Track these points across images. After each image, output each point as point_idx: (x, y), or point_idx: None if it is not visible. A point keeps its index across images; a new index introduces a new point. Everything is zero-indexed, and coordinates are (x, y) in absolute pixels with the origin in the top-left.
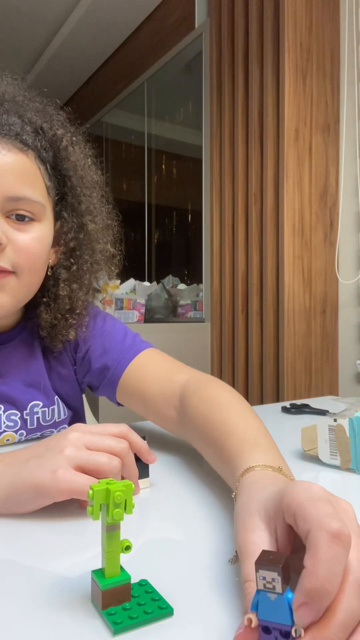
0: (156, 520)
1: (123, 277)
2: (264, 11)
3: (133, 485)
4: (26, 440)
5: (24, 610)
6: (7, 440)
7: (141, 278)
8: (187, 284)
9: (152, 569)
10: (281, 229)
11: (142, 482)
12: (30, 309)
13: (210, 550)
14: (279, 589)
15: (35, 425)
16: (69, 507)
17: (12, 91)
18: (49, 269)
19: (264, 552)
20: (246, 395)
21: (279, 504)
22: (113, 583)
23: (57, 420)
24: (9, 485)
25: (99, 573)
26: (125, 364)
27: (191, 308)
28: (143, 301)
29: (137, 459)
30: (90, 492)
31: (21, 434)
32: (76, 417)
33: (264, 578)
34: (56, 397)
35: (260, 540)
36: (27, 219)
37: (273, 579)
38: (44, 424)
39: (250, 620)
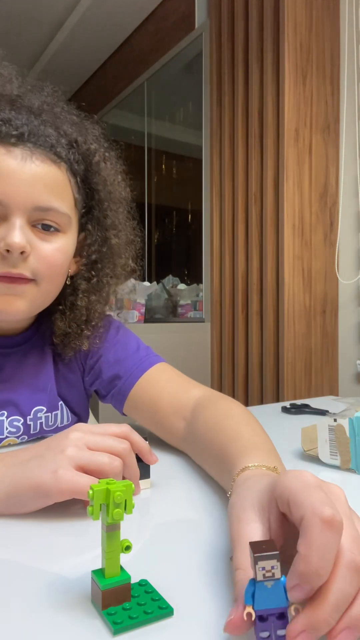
0: (156, 520)
1: None
2: (264, 11)
3: (133, 486)
4: (35, 440)
5: (24, 610)
6: (9, 444)
7: (141, 278)
8: (187, 284)
9: (152, 569)
10: (281, 229)
11: (143, 483)
12: (44, 314)
13: (211, 550)
14: (278, 574)
15: (37, 430)
16: (69, 507)
17: (51, 102)
18: (68, 279)
19: (253, 544)
20: (246, 395)
21: (272, 494)
22: (113, 583)
23: (59, 425)
24: (10, 486)
25: (99, 573)
26: (139, 374)
27: (191, 308)
28: (143, 301)
29: (139, 460)
30: (91, 492)
31: (23, 439)
32: (79, 423)
33: (264, 568)
34: (61, 402)
35: (253, 531)
36: (52, 229)
37: (272, 567)
38: (47, 429)
39: (250, 615)
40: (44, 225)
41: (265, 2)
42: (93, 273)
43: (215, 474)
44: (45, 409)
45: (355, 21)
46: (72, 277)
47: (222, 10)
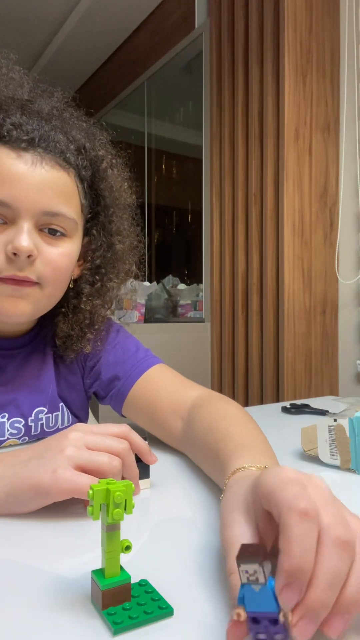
0: (156, 520)
1: None
2: (264, 11)
3: (133, 486)
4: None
5: (24, 610)
6: (10, 445)
7: (141, 278)
8: (187, 284)
9: (152, 569)
10: (281, 229)
11: (143, 483)
12: (46, 317)
13: (211, 550)
14: (261, 579)
15: (38, 432)
16: (69, 507)
17: (61, 107)
18: (71, 282)
19: (243, 547)
20: (246, 395)
21: (255, 494)
22: (113, 583)
23: (60, 427)
24: (9, 485)
25: (99, 573)
26: (138, 375)
27: (191, 308)
28: (143, 301)
29: (138, 460)
30: (90, 492)
31: (24, 440)
32: (79, 423)
33: (247, 572)
34: (61, 403)
35: (240, 533)
36: (58, 233)
37: (255, 571)
38: (47, 430)
39: (239, 615)
40: (50, 230)
41: (265, 2)
42: (97, 277)
43: (212, 475)
44: (46, 410)
45: (355, 21)
46: (75, 281)
47: (222, 10)
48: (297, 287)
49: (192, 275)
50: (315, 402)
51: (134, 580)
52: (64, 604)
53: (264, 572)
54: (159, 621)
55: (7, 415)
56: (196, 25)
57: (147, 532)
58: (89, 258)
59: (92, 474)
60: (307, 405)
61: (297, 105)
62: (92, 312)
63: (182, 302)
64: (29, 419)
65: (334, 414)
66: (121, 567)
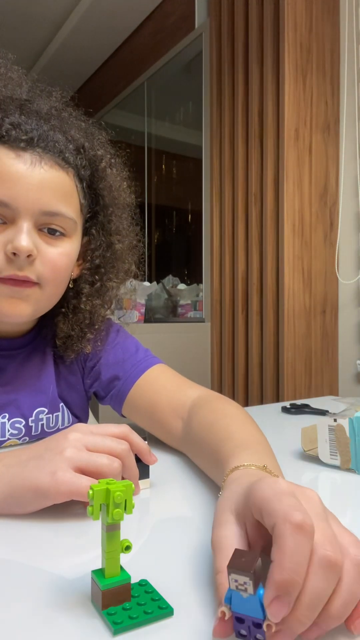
0: (156, 520)
1: None
2: (264, 11)
3: (133, 486)
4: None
5: (24, 610)
6: (10, 446)
7: (141, 278)
8: (187, 284)
9: (152, 569)
10: (281, 229)
11: (143, 483)
12: (46, 317)
13: (210, 550)
14: (250, 591)
15: (39, 432)
16: (69, 507)
17: (59, 107)
18: (71, 282)
19: (237, 552)
20: (246, 396)
21: (247, 501)
22: (113, 583)
23: (60, 427)
24: (9, 486)
25: (99, 573)
26: (137, 375)
27: (191, 308)
28: (143, 301)
29: (138, 460)
30: (90, 492)
31: (24, 440)
32: (79, 423)
33: (236, 581)
34: (62, 404)
35: (230, 533)
36: (58, 233)
37: (245, 583)
38: (48, 430)
39: (223, 613)
40: (49, 230)
41: (265, 2)
42: (97, 277)
43: (211, 474)
44: (46, 411)
45: (355, 21)
46: (74, 281)
47: (222, 10)
48: (297, 287)
49: (192, 275)
50: (315, 402)
51: (134, 580)
52: (64, 604)
53: (253, 584)
54: (159, 621)
55: (7, 415)
56: (196, 25)
57: (147, 532)
58: (89, 258)
59: (92, 475)
60: (307, 405)
61: (297, 105)
62: (92, 312)
63: (182, 302)
64: (30, 419)
65: (334, 414)
66: (121, 567)
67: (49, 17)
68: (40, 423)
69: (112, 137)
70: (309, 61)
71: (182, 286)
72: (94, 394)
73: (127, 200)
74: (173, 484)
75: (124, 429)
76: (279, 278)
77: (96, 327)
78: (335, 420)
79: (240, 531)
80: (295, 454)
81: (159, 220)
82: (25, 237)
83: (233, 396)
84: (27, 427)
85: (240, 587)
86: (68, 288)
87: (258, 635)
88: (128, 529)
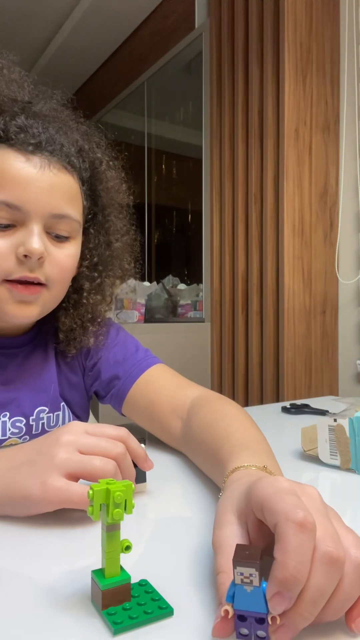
0: (156, 520)
1: None
2: (264, 11)
3: (133, 486)
4: None
5: (24, 610)
6: (11, 444)
7: (141, 278)
8: (187, 284)
9: (152, 569)
10: (281, 229)
11: (139, 487)
12: (47, 314)
13: (210, 550)
14: (256, 582)
15: (39, 431)
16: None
17: (59, 109)
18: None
19: (239, 547)
20: (246, 395)
21: (248, 500)
22: (113, 583)
23: (60, 426)
24: (2, 492)
25: (99, 573)
26: (137, 375)
27: (191, 308)
28: (143, 301)
29: (135, 465)
30: (90, 492)
31: (25, 439)
32: (75, 421)
33: (242, 574)
34: (63, 403)
35: (231, 533)
36: (63, 237)
37: (251, 574)
38: (49, 429)
39: (227, 612)
40: (55, 233)
41: (265, 2)
42: (96, 274)
43: (211, 474)
44: (47, 410)
45: (355, 21)
46: (74, 279)
47: (222, 10)
48: (297, 287)
49: (192, 275)
50: (315, 402)
51: (134, 580)
52: (64, 604)
53: (259, 575)
54: (159, 621)
55: (8, 414)
56: (196, 25)
57: (147, 532)
58: (87, 256)
59: (86, 478)
60: (307, 405)
61: (297, 105)
62: (93, 306)
63: (182, 302)
64: (30, 418)
65: (334, 414)
66: (121, 567)
67: (49, 17)
68: (41, 422)
69: (111, 138)
70: (309, 61)
71: (182, 286)
72: (95, 393)
73: (124, 200)
74: (173, 484)
75: (121, 432)
76: (279, 278)
77: (98, 320)
78: (335, 420)
79: (242, 531)
80: (295, 454)
81: (159, 220)
82: (37, 240)
83: (233, 396)
84: (28, 426)
85: (245, 579)
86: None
87: (259, 633)
88: (128, 529)
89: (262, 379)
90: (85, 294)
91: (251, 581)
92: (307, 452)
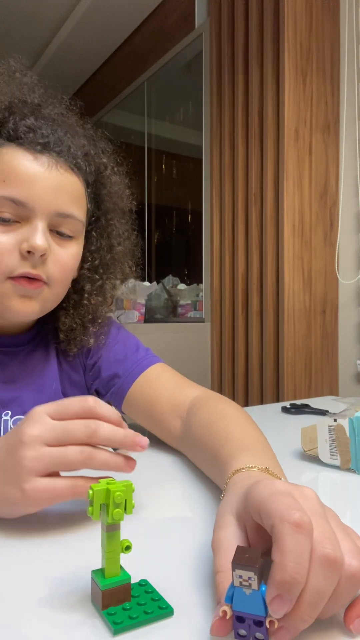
0: (156, 521)
1: None
2: (264, 11)
3: (133, 486)
4: None
5: (24, 610)
6: None
7: (141, 278)
8: (187, 284)
9: (152, 569)
10: (281, 229)
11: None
12: (48, 314)
13: (210, 550)
14: (255, 586)
15: None
16: (68, 507)
17: (67, 114)
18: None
19: (239, 549)
20: (246, 396)
21: (246, 503)
22: (113, 583)
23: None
24: None
25: (99, 573)
26: (137, 373)
27: (191, 308)
28: (143, 301)
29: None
30: (90, 492)
31: None
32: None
33: (241, 577)
34: None
35: (230, 535)
36: (66, 235)
37: (249, 578)
38: None
39: (225, 612)
40: (59, 231)
41: (265, 2)
42: (97, 277)
43: (211, 475)
44: None
45: (355, 21)
46: (74, 281)
47: (222, 10)
48: (297, 287)
49: (192, 275)
50: (315, 402)
51: (134, 580)
52: (64, 604)
53: (258, 579)
54: (159, 621)
55: (10, 412)
56: (196, 25)
57: (147, 532)
58: (89, 259)
59: (63, 470)
60: (307, 405)
61: (297, 105)
62: (94, 307)
63: (182, 302)
64: None
65: (334, 414)
66: (121, 567)
67: (49, 17)
68: None
69: (113, 138)
70: (309, 61)
71: (182, 286)
72: (96, 392)
73: (127, 206)
74: (173, 484)
75: (87, 403)
76: (279, 278)
77: (99, 321)
78: (335, 420)
79: (241, 533)
80: (295, 454)
81: (159, 221)
82: (41, 237)
83: (233, 396)
84: None
85: (244, 582)
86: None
87: (258, 635)
88: (128, 529)
89: (262, 379)
90: (86, 295)
91: (250, 584)
92: (307, 452)
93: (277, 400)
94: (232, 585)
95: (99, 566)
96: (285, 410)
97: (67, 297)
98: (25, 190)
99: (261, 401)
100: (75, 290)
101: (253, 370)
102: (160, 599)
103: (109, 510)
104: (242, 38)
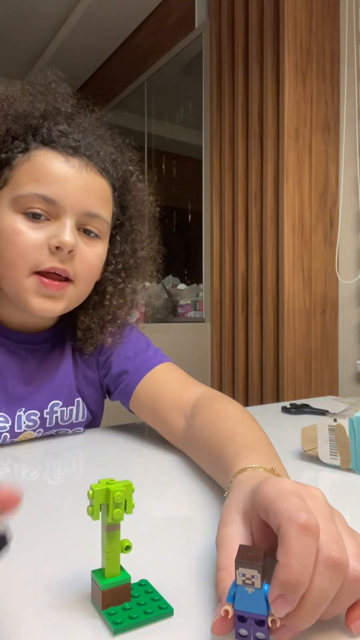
0: (156, 520)
1: None
2: (264, 11)
3: (133, 486)
4: (42, 437)
5: (24, 610)
6: (26, 437)
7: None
8: (187, 284)
9: (152, 569)
10: (281, 229)
11: None
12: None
13: (211, 550)
14: (258, 584)
15: (53, 424)
16: (68, 506)
17: (96, 124)
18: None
19: (242, 548)
20: (246, 395)
21: (253, 501)
22: (113, 583)
23: (74, 421)
24: None
25: (99, 573)
26: (146, 371)
27: (191, 308)
28: (143, 301)
29: None
30: (90, 492)
31: (39, 432)
32: (93, 421)
33: (244, 575)
34: (78, 399)
35: (235, 532)
36: (93, 234)
37: (253, 576)
38: (62, 423)
39: (227, 612)
40: (85, 230)
41: (265, 2)
42: (119, 280)
43: (213, 474)
44: (61, 404)
45: (355, 21)
46: (97, 282)
47: (222, 10)
48: (297, 287)
49: (192, 275)
50: (315, 402)
51: (134, 580)
52: (64, 604)
53: (261, 578)
54: (159, 621)
55: (24, 408)
56: (196, 25)
57: (147, 532)
58: (112, 262)
59: None
60: (307, 405)
61: (297, 105)
62: (115, 309)
63: (182, 302)
64: (45, 411)
65: (334, 414)
66: (121, 567)
67: (48, 17)
68: (54, 415)
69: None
70: (309, 61)
71: (182, 286)
72: (106, 388)
73: (151, 212)
74: (173, 484)
75: None
76: (279, 278)
77: (118, 322)
78: (335, 420)
79: (246, 531)
80: (295, 454)
81: (159, 221)
82: (69, 233)
83: (233, 396)
84: (42, 419)
85: (247, 581)
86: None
87: (259, 635)
88: (128, 529)
89: (262, 379)
90: (108, 296)
91: (253, 583)
92: (307, 452)
93: (277, 400)
94: (235, 584)
95: (99, 566)
96: (285, 410)
97: (88, 298)
98: (56, 189)
99: (261, 401)
100: (96, 291)
101: (253, 370)
102: (160, 599)
103: (109, 510)
104: (242, 38)
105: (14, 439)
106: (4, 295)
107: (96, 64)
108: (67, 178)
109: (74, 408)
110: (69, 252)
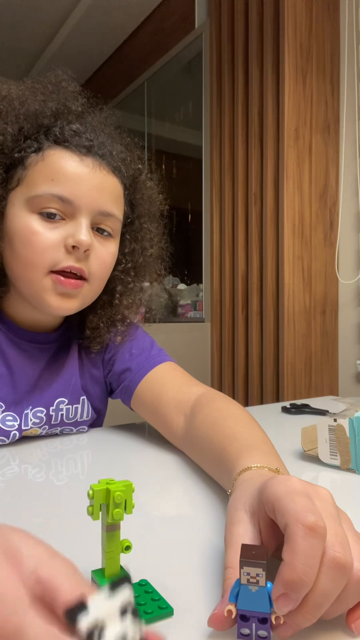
0: (156, 520)
1: None
2: (264, 11)
3: (133, 486)
4: (47, 437)
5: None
6: (31, 433)
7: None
8: (187, 284)
9: (152, 569)
10: (281, 229)
11: None
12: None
13: (211, 550)
14: (262, 582)
15: (58, 421)
16: (68, 506)
17: (105, 123)
18: None
19: (245, 547)
20: (246, 395)
21: (260, 499)
22: None
23: (78, 419)
24: None
25: (99, 573)
26: (148, 369)
27: (191, 308)
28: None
29: None
30: (90, 492)
31: (44, 429)
32: (97, 420)
33: (248, 574)
34: (84, 397)
35: (243, 531)
36: (106, 233)
37: (257, 574)
38: (67, 421)
39: (230, 612)
40: (99, 229)
41: (265, 2)
42: (129, 279)
43: (214, 474)
44: (66, 401)
45: (355, 21)
46: (107, 281)
47: (222, 10)
48: (297, 287)
49: (192, 275)
50: (315, 402)
51: (134, 580)
52: None
53: (266, 576)
54: (159, 621)
55: (31, 406)
56: (196, 25)
57: (147, 532)
58: (122, 261)
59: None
60: (307, 405)
61: (297, 105)
62: (124, 308)
63: (182, 302)
64: (51, 408)
65: (334, 414)
66: (121, 567)
67: (48, 17)
68: (60, 413)
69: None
70: (309, 61)
71: (182, 286)
72: (109, 385)
73: (160, 211)
74: (174, 483)
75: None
76: (279, 278)
77: (126, 322)
78: (335, 420)
79: (254, 530)
80: (295, 454)
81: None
82: (86, 232)
83: (233, 396)
84: (48, 416)
85: (252, 579)
86: None
87: (261, 633)
88: (128, 529)
89: (262, 379)
90: (117, 296)
91: (257, 581)
92: (307, 452)
93: (277, 400)
94: (238, 584)
95: (99, 566)
96: (285, 410)
97: (97, 297)
98: (71, 189)
99: (261, 401)
100: (105, 290)
101: (253, 370)
102: (160, 599)
103: (109, 510)
104: (242, 38)
105: (20, 435)
106: (17, 294)
107: (96, 64)
108: (82, 178)
109: (79, 406)
110: (85, 251)
